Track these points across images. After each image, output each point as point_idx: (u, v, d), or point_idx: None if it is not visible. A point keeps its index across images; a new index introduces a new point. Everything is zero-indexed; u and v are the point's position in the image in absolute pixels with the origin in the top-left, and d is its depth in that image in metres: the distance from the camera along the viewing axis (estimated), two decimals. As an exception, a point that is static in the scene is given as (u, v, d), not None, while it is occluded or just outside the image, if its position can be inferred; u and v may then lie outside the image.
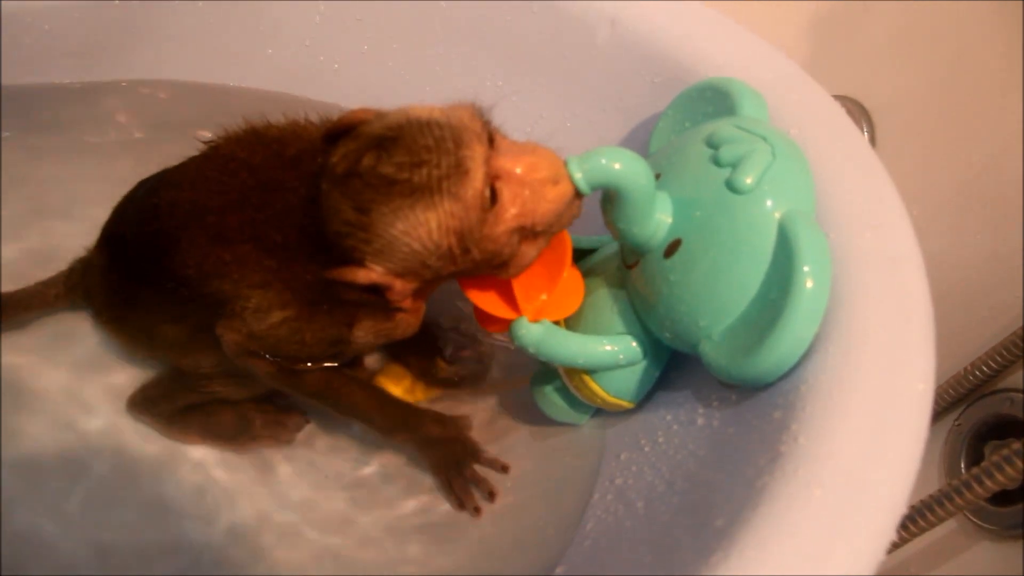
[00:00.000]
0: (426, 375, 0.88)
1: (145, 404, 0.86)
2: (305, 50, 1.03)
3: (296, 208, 0.69)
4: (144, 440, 0.86)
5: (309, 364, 0.78)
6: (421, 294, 0.74)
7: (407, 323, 0.76)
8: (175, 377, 0.86)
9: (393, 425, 0.81)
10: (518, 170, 0.64)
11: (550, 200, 0.65)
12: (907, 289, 0.64)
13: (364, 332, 0.75)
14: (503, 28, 0.82)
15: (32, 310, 0.90)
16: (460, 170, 0.61)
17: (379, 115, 0.66)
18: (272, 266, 0.72)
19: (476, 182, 0.62)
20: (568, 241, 0.72)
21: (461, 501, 0.81)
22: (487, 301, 0.72)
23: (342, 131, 0.67)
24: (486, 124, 0.65)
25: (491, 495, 0.81)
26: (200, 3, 1.01)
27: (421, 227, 0.63)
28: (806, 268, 0.60)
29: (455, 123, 0.62)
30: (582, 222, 0.69)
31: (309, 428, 0.88)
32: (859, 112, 1.19)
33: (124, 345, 0.88)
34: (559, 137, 0.70)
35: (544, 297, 0.72)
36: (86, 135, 1.05)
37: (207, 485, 0.84)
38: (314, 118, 0.75)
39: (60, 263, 0.91)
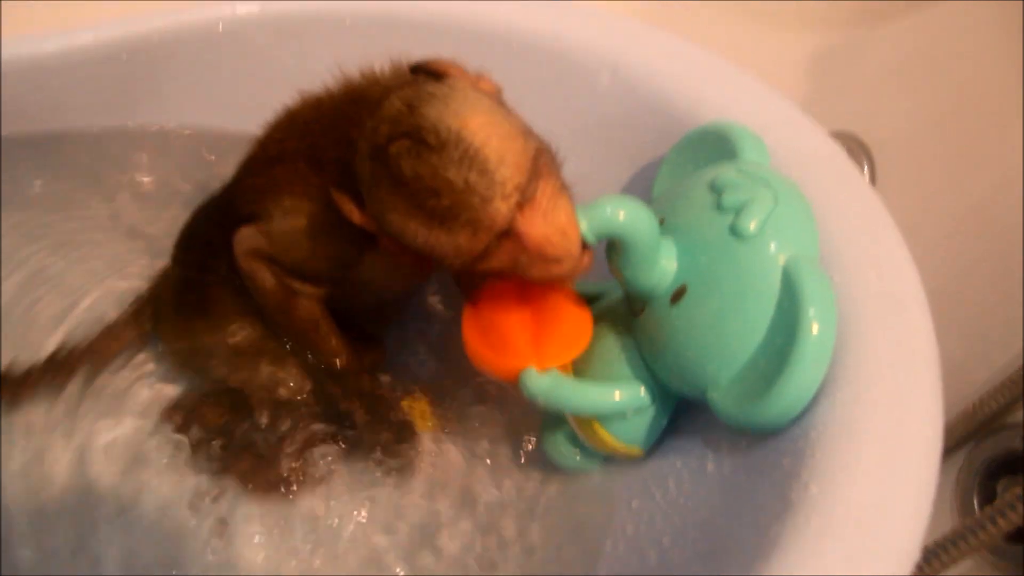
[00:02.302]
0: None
1: (180, 415, 0.89)
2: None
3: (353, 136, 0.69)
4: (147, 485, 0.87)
5: (308, 288, 0.80)
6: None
7: (411, 273, 0.80)
8: (220, 393, 0.88)
9: (357, 392, 0.86)
10: (527, 240, 0.62)
11: (542, 271, 0.65)
12: (912, 330, 0.64)
13: (371, 262, 0.77)
14: (504, 76, 0.82)
15: (113, 348, 0.93)
16: (470, 227, 0.60)
17: (452, 87, 0.63)
18: (316, 182, 0.74)
19: (478, 243, 0.61)
20: (567, 289, 0.72)
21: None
22: (491, 353, 0.72)
23: (428, 71, 0.68)
24: (536, 176, 0.62)
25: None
26: (208, 57, 1.03)
27: (408, 229, 0.62)
28: (811, 312, 0.60)
29: (500, 177, 0.59)
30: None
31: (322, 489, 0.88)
32: (859, 148, 1.20)
33: (186, 358, 0.91)
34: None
35: (549, 343, 0.72)
36: (108, 180, 1.07)
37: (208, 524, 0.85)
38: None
39: (82, 304, 0.94)
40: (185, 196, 0.97)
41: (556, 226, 0.63)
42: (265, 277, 0.79)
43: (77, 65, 1.00)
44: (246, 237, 0.79)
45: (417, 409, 0.88)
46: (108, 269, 1.00)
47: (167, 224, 0.99)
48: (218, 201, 0.88)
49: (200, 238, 0.89)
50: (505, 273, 0.66)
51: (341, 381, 0.85)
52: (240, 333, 0.86)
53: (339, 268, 0.78)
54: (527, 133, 0.64)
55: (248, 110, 0.98)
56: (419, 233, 0.62)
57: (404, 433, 0.85)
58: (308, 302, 0.81)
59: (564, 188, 0.66)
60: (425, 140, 0.59)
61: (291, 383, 0.86)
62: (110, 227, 1.03)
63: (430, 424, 0.88)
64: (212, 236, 0.85)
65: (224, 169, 0.86)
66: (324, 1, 1.01)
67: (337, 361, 0.84)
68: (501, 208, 0.60)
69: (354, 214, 0.67)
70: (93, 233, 1.03)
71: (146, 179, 1.07)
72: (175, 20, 1.01)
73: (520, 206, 0.61)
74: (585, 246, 0.66)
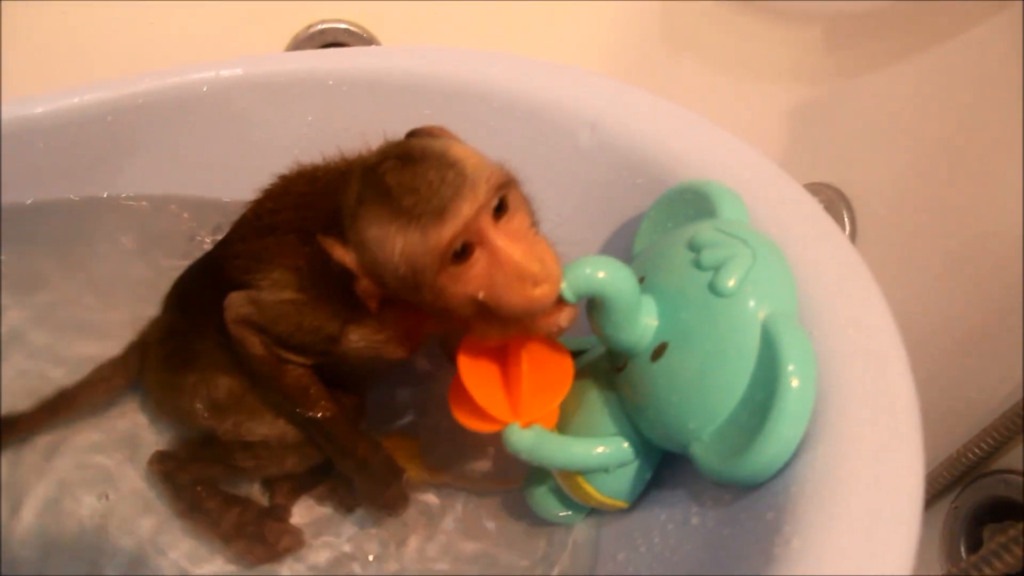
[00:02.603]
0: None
1: (167, 465, 0.88)
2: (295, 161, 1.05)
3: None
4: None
5: (296, 357, 0.81)
6: (409, 324, 0.78)
7: (394, 345, 0.80)
8: (206, 445, 0.88)
9: (350, 453, 0.84)
10: (502, 253, 0.64)
11: (519, 296, 0.64)
12: (891, 383, 0.65)
13: (356, 336, 0.78)
14: (485, 136, 0.84)
15: (100, 394, 0.94)
16: (439, 215, 0.63)
17: (440, 136, 0.71)
18: (304, 255, 0.76)
19: (446, 231, 0.63)
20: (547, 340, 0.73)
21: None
22: (474, 411, 0.72)
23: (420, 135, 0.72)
24: (504, 192, 0.66)
25: None
26: (192, 119, 1.03)
27: (388, 242, 0.65)
28: (791, 367, 0.60)
29: (472, 177, 0.64)
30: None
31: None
32: (840, 199, 1.21)
33: (173, 407, 0.91)
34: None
35: (527, 394, 0.72)
36: (84, 252, 1.07)
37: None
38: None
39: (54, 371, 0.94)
40: (164, 264, 0.99)
41: (533, 250, 0.65)
42: (254, 344, 0.80)
43: (63, 127, 1.01)
44: (236, 304, 0.80)
45: (402, 451, 0.88)
46: (84, 336, 1.01)
47: (144, 292, 1.00)
48: (210, 260, 0.90)
49: (191, 294, 0.91)
50: (483, 304, 0.66)
51: (326, 434, 0.84)
52: (225, 385, 0.86)
53: (323, 343, 0.79)
54: (500, 168, 0.68)
55: (231, 175, 1.00)
56: (396, 242, 0.65)
57: (390, 479, 0.85)
58: (297, 370, 0.82)
59: (541, 233, 0.69)
60: (411, 156, 0.65)
61: (276, 435, 0.86)
62: (88, 297, 1.04)
63: (414, 470, 0.88)
64: (203, 294, 0.86)
65: (203, 235, 0.86)
66: (307, 63, 1.03)
67: (323, 420, 0.84)
68: (469, 196, 0.63)
69: (335, 249, 0.69)
70: (70, 301, 1.04)
71: (125, 248, 1.08)
72: (160, 83, 1.02)
73: (492, 211, 0.65)
74: (567, 303, 0.67)
